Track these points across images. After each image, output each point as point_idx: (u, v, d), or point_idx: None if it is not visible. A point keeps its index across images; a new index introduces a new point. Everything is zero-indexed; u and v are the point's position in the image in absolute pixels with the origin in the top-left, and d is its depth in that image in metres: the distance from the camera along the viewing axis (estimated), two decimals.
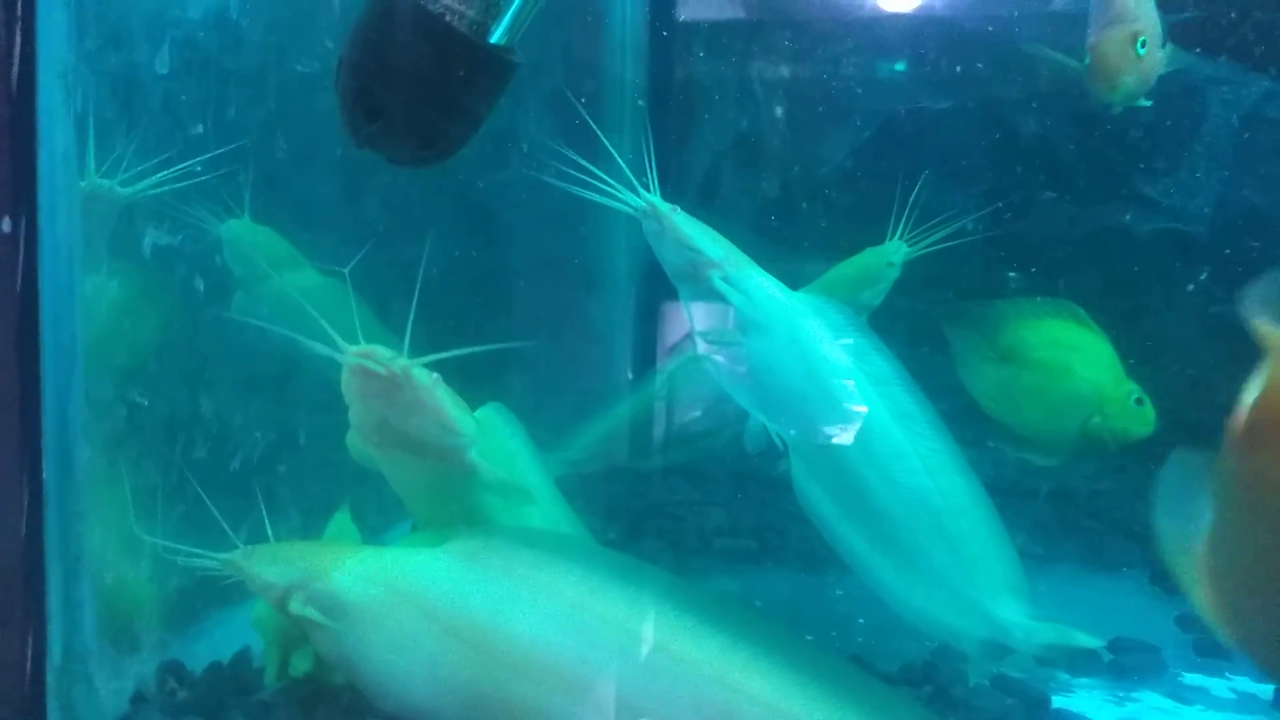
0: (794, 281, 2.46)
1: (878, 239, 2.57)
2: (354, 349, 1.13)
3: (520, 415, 2.58)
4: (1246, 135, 2.55)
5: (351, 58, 1.00)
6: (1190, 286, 2.96)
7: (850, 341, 1.55)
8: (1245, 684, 1.58)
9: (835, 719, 0.93)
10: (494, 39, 1.05)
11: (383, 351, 1.13)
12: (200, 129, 1.60)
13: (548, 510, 1.36)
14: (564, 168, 1.58)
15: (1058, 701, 1.50)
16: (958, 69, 3.06)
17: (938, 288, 2.79)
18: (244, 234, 2.00)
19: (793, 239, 3.07)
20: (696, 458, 2.09)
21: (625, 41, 3.04)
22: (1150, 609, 1.87)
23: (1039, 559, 2.19)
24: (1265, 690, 1.54)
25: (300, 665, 1.20)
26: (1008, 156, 3.04)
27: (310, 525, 1.32)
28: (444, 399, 1.14)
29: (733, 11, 3.12)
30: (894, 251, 2.45)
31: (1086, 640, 1.59)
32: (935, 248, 2.49)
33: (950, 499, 1.54)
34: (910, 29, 3.10)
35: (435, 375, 1.14)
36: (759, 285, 1.52)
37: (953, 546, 1.54)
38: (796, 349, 1.52)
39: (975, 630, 1.57)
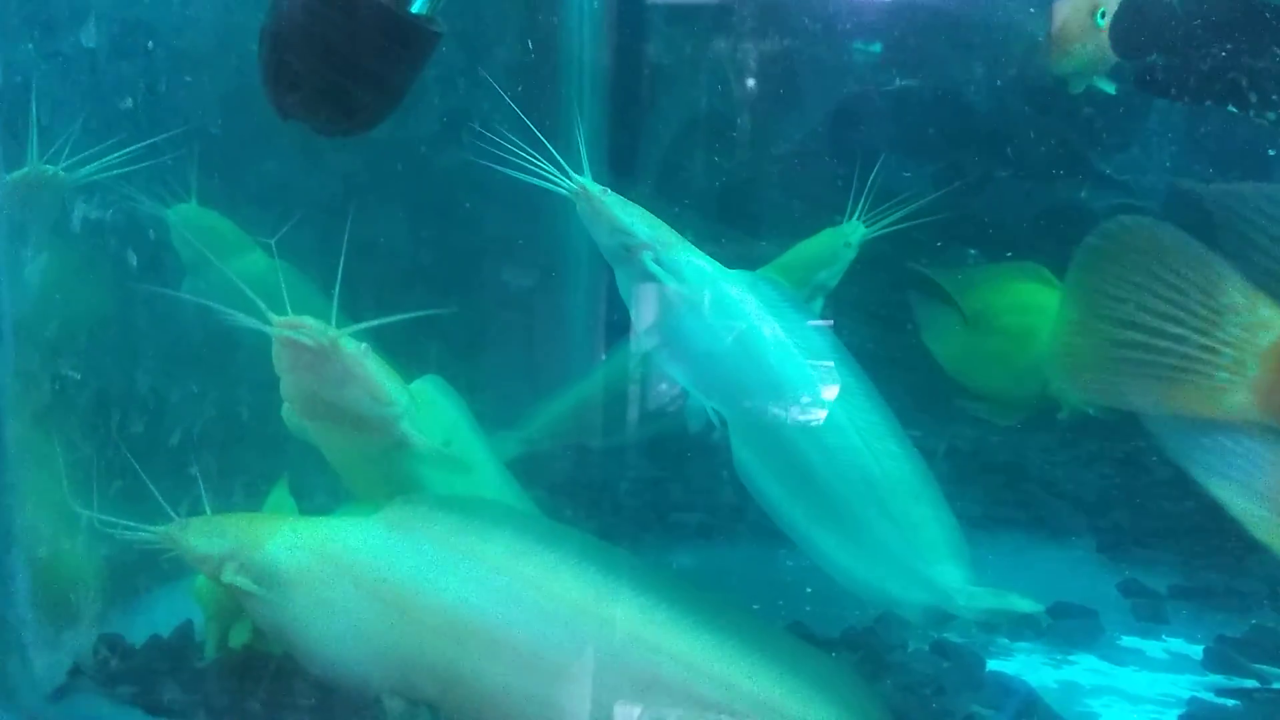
0: (754, 261, 2.50)
1: (838, 218, 2.59)
2: (281, 320, 1.13)
3: (479, 392, 2.60)
4: (1197, 111, 2.57)
5: (270, 29, 1.00)
6: None
7: (787, 318, 1.57)
8: (1180, 645, 1.62)
9: (756, 677, 0.95)
10: (415, 7, 1.05)
11: (310, 322, 1.14)
12: (142, 111, 1.60)
13: (487, 482, 1.38)
14: (505, 148, 1.58)
15: (995, 665, 1.53)
16: (916, 48, 3.08)
17: (896, 266, 2.83)
18: (191, 218, 2.01)
19: (754, 217, 3.08)
20: (657, 434, 2.11)
21: (584, 18, 3.04)
22: (1095, 576, 1.91)
23: (989, 528, 2.24)
24: (1197, 651, 1.58)
25: (239, 637, 1.21)
26: (964, 135, 3.07)
27: (253, 501, 1.33)
28: (373, 369, 1.16)
29: None
30: (851, 232, 2.47)
31: (1026, 605, 1.61)
32: (893, 228, 2.53)
33: (889, 470, 1.57)
34: (869, 7, 3.12)
35: (364, 345, 1.15)
36: (692, 265, 1.52)
37: (892, 517, 1.57)
38: (730, 327, 1.53)
39: (917, 597, 1.59)
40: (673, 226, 3.45)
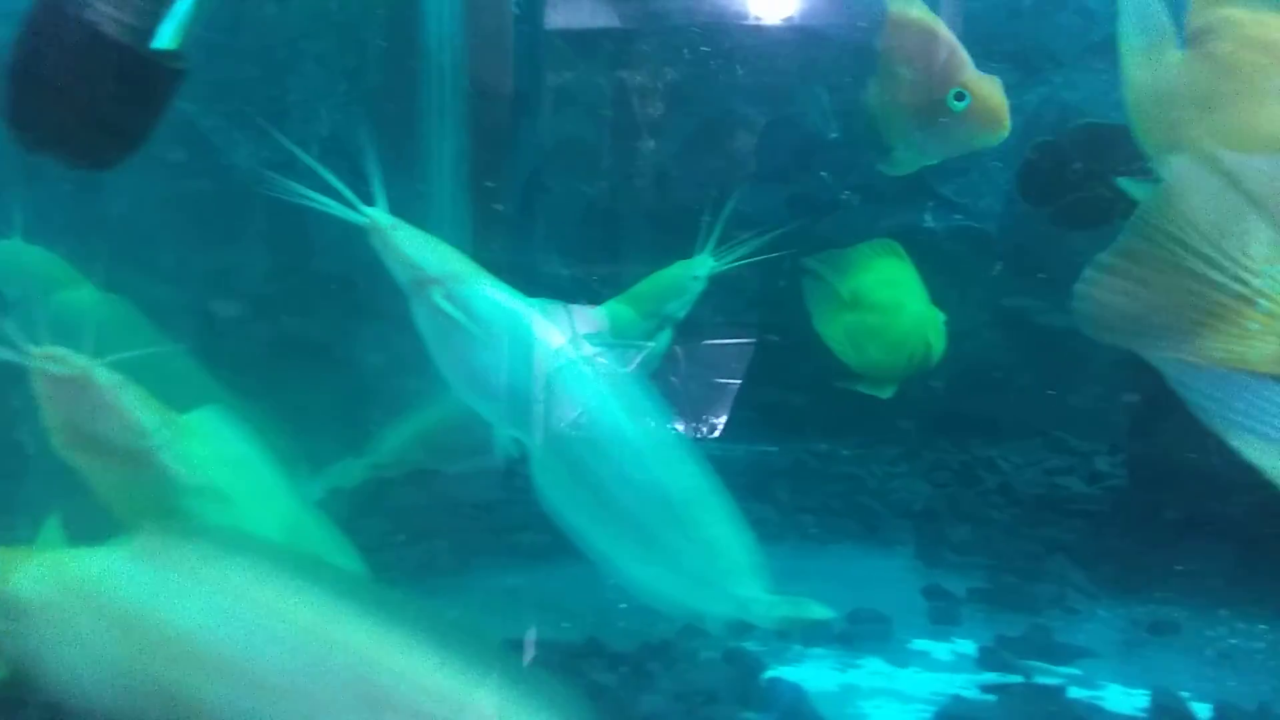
0: (620, 281, 2.56)
1: (689, 247, 2.68)
2: (38, 350, 1.15)
3: (327, 419, 2.61)
4: (1030, 137, 2.72)
5: (9, 64, 1.02)
6: (984, 279, 3.16)
7: (585, 344, 1.62)
8: (966, 646, 1.72)
9: (485, 695, 1.00)
10: (162, 41, 1.07)
11: (64, 353, 1.15)
12: None
13: (273, 512, 1.40)
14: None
15: (785, 671, 1.61)
16: (769, 78, 3.21)
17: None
18: (14, 254, 1.99)
19: (618, 240, 3.17)
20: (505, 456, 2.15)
21: (444, 43, 3.09)
22: (910, 582, 2.01)
23: (823, 539, 2.34)
24: (944, 649, 1.69)
25: None
26: (814, 162, 3.20)
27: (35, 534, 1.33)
28: (127, 401, 1.17)
29: (560, 18, 3.20)
30: (700, 265, 2.57)
31: (821, 612, 1.69)
32: (742, 261, 2.63)
33: (685, 489, 1.63)
34: (726, 38, 3.23)
35: (120, 377, 1.17)
36: (484, 299, 1.57)
37: (689, 534, 1.62)
38: (526, 357, 1.59)
39: (718, 609, 1.66)
40: (538, 249, 3.51)
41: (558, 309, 1.64)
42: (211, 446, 1.34)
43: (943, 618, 1.82)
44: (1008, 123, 2.04)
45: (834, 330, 2.71)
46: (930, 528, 2.30)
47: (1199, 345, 0.95)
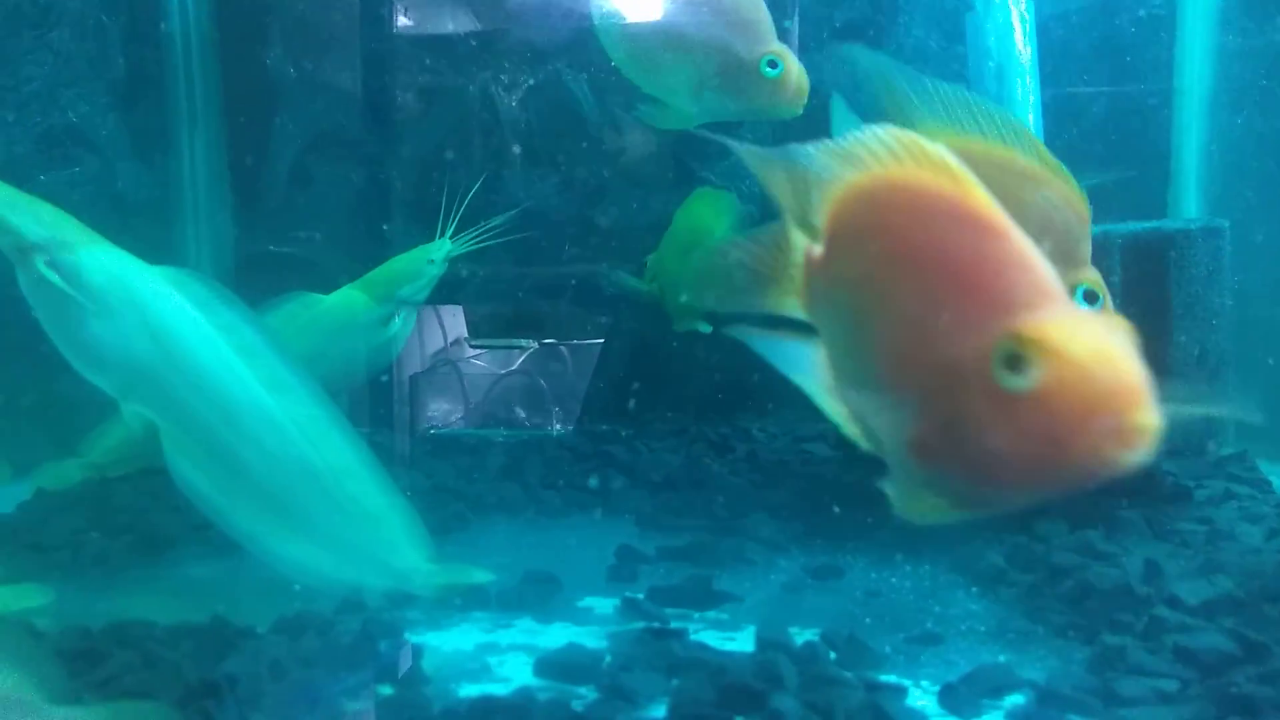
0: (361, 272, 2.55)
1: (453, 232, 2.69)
2: None
3: (37, 419, 2.52)
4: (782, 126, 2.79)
5: None
6: None
7: (218, 315, 1.59)
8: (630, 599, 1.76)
9: None
10: None
11: None
12: None
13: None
14: None
15: (437, 637, 1.62)
16: (536, 69, 3.24)
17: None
18: None
19: (376, 231, 3.15)
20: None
21: (190, 29, 3.04)
22: (612, 545, 2.02)
23: (566, 512, 2.35)
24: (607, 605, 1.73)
25: None
26: (580, 148, 3.24)
27: None
28: None
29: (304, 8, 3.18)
30: (436, 250, 2.57)
31: (480, 577, 1.72)
32: (481, 244, 2.64)
33: (334, 463, 1.62)
34: (493, 29, 3.25)
35: None
36: (97, 266, 1.52)
37: (341, 508, 1.62)
38: (148, 329, 1.54)
39: (377, 581, 1.66)
40: (301, 236, 3.45)
41: (189, 278, 1.59)
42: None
43: (620, 576, 1.86)
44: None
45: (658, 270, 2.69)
46: (660, 495, 2.35)
47: (761, 302, 1.18)
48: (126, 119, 2.96)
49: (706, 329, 2.55)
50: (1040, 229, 1.21)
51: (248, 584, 1.85)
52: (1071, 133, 2.99)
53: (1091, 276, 1.26)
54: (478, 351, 3.42)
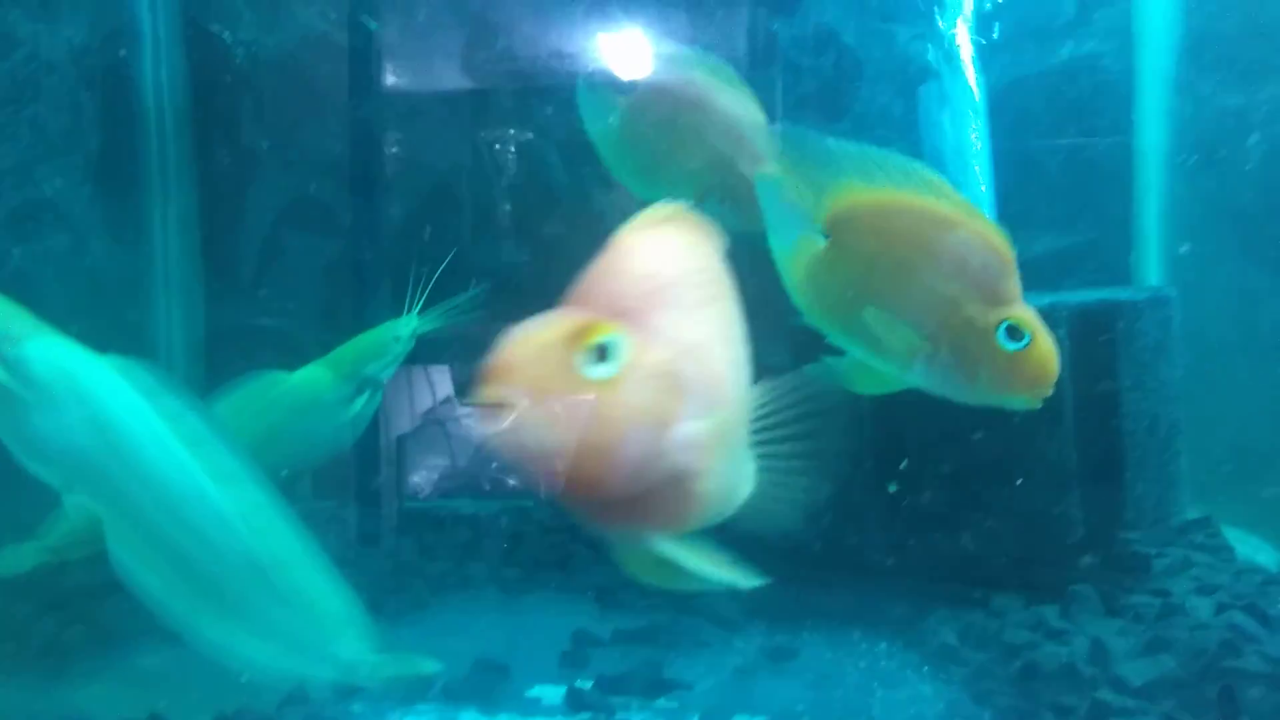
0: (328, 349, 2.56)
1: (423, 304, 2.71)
2: None
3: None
4: None
5: None
6: None
7: (164, 404, 1.59)
8: (584, 686, 1.74)
9: None
10: None
11: None
12: None
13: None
14: None
15: None
16: (508, 140, 3.30)
17: None
18: None
19: (350, 304, 3.18)
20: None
21: (165, 112, 3.09)
22: (571, 627, 2.01)
23: (520, 590, 2.34)
24: (556, 694, 1.71)
25: None
26: (553, 216, 3.28)
27: None
28: None
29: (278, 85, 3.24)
30: (403, 326, 2.58)
31: (427, 666, 1.70)
32: (448, 322, 2.65)
33: (278, 553, 1.61)
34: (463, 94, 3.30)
35: None
36: (45, 359, 1.52)
37: (286, 599, 1.61)
38: (93, 421, 1.54)
39: (322, 673, 1.65)
40: (274, 311, 3.46)
41: (136, 368, 1.60)
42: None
43: (572, 661, 1.85)
44: None
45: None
46: (622, 572, 2.33)
47: None
48: (100, 194, 3.01)
49: None
50: (958, 268, 1.31)
51: (197, 674, 1.83)
52: (1031, 195, 3.04)
53: (1017, 313, 1.28)
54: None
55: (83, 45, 2.91)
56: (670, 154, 1.90)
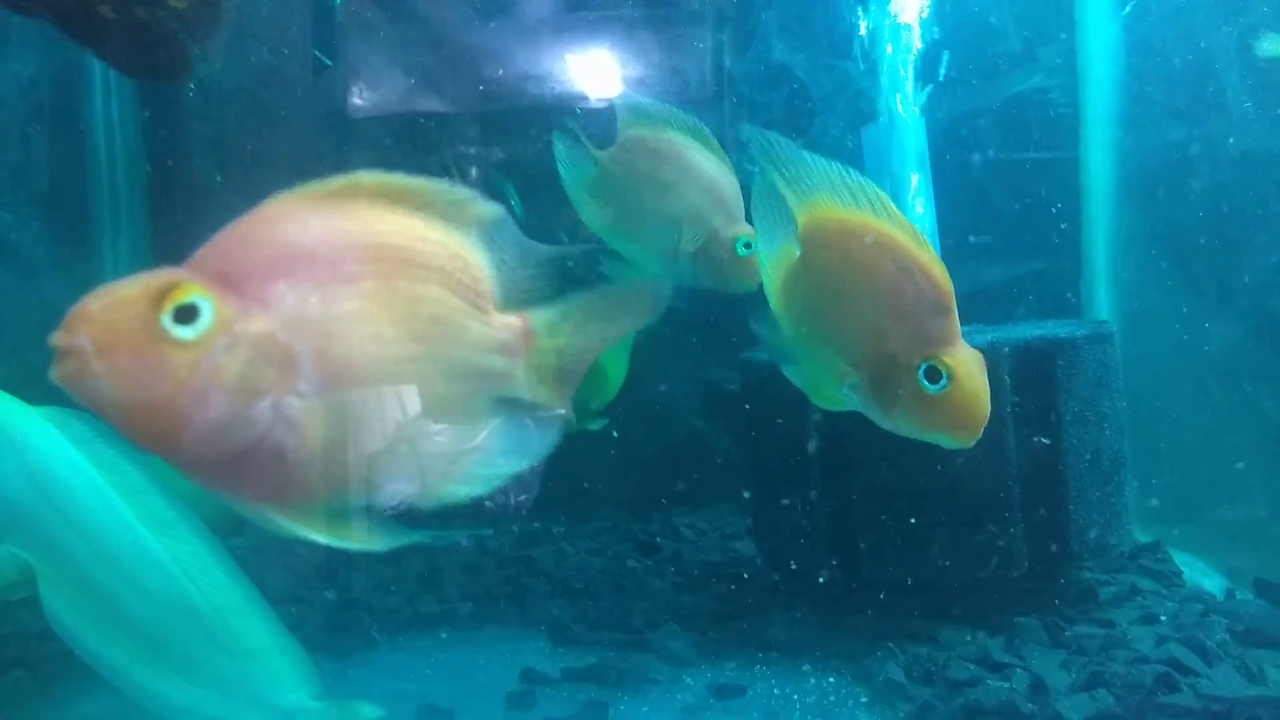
0: None
1: None
2: None
3: None
4: None
5: None
6: (683, 354, 3.28)
7: (100, 454, 1.58)
8: None
9: None
10: None
11: None
12: None
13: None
14: None
15: None
16: (467, 174, 3.30)
17: None
18: None
19: None
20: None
21: (115, 145, 3.07)
22: (518, 666, 1.99)
23: (474, 625, 2.32)
24: None
25: None
26: None
27: None
28: None
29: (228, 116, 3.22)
30: None
31: (369, 713, 1.68)
32: None
33: (216, 601, 1.59)
34: (415, 132, 3.31)
35: None
36: None
37: (224, 647, 1.59)
38: (25, 472, 1.53)
39: None
40: None
41: (69, 417, 1.58)
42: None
43: (518, 703, 1.83)
44: None
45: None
46: (579, 604, 2.33)
47: None
48: (49, 228, 2.98)
49: (597, 426, 2.51)
50: (892, 301, 1.30)
51: None
52: (980, 227, 3.08)
53: (943, 354, 1.25)
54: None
55: (31, 80, 2.89)
56: (645, 209, 1.89)
